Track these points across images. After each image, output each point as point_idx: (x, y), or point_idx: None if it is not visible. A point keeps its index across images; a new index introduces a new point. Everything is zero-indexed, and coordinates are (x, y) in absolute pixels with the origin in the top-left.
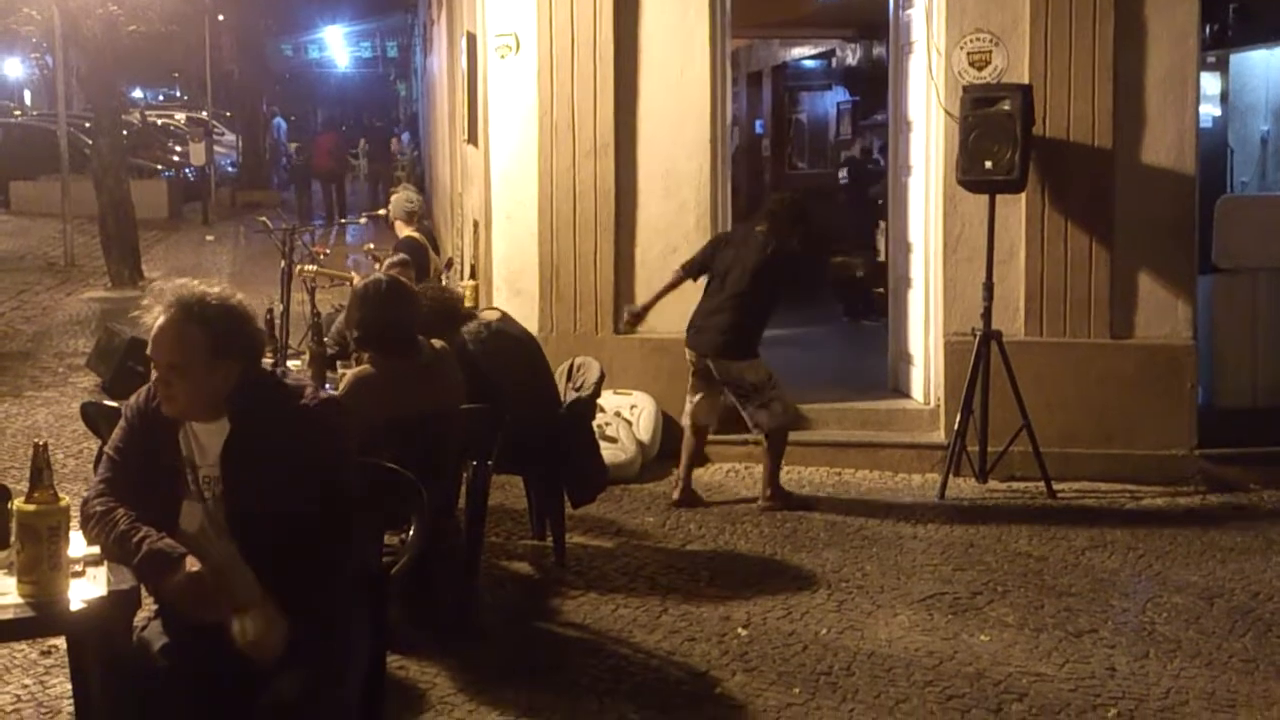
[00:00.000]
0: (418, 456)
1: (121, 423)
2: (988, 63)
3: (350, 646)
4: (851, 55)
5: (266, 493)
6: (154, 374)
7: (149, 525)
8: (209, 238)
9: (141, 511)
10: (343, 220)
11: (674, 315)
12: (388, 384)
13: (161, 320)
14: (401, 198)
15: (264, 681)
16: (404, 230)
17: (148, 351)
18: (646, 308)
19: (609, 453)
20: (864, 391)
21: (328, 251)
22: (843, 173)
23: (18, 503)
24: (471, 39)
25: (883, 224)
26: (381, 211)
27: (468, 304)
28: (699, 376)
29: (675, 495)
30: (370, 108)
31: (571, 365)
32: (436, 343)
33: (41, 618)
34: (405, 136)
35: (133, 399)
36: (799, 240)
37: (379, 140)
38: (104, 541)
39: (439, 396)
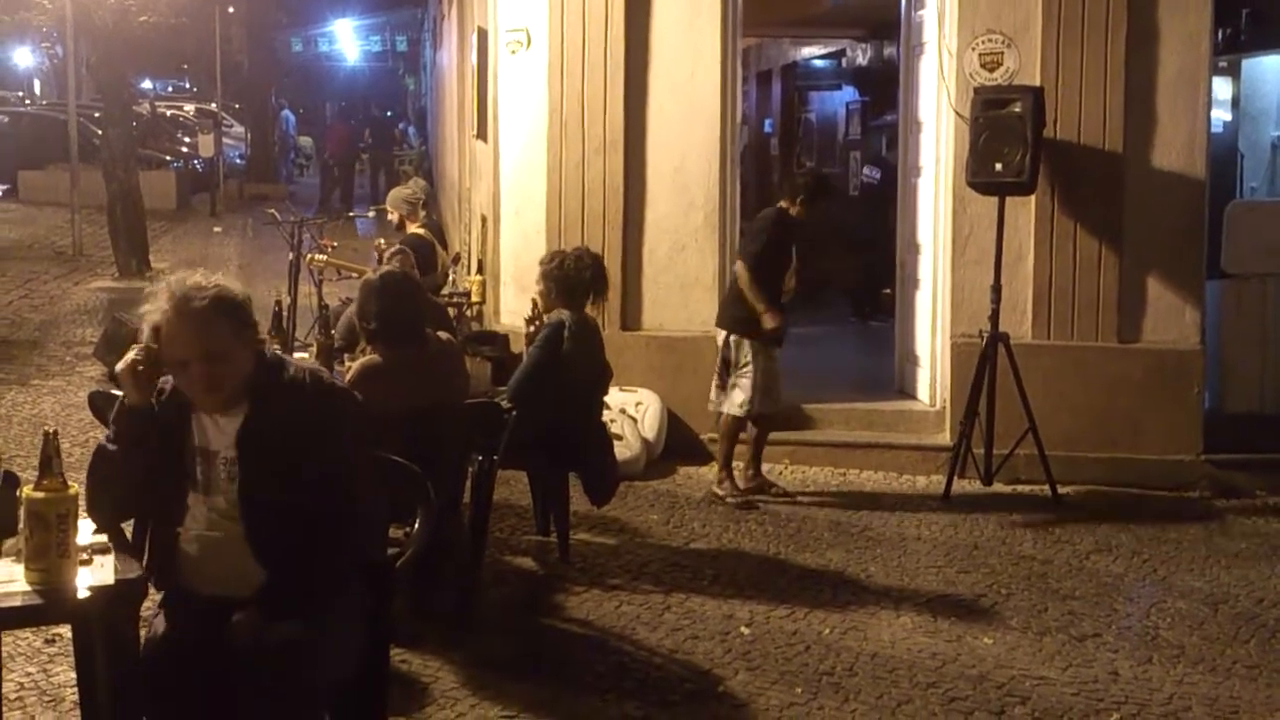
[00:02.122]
0: (423, 448)
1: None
2: (999, 64)
3: (342, 616)
4: (862, 55)
5: (283, 473)
6: (179, 375)
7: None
8: (217, 229)
9: (147, 501)
10: (350, 214)
11: (679, 314)
12: (394, 374)
13: (180, 317)
14: (400, 194)
15: (264, 669)
16: (410, 225)
17: (169, 354)
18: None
19: (615, 450)
20: (870, 392)
21: (335, 245)
22: (871, 170)
23: (27, 490)
24: (483, 34)
25: None
26: (386, 208)
27: (474, 299)
28: None
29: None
30: (379, 101)
31: None
32: (443, 335)
33: (49, 605)
34: (411, 130)
35: None
36: (819, 213)
37: (384, 130)
38: (94, 478)
39: (444, 388)
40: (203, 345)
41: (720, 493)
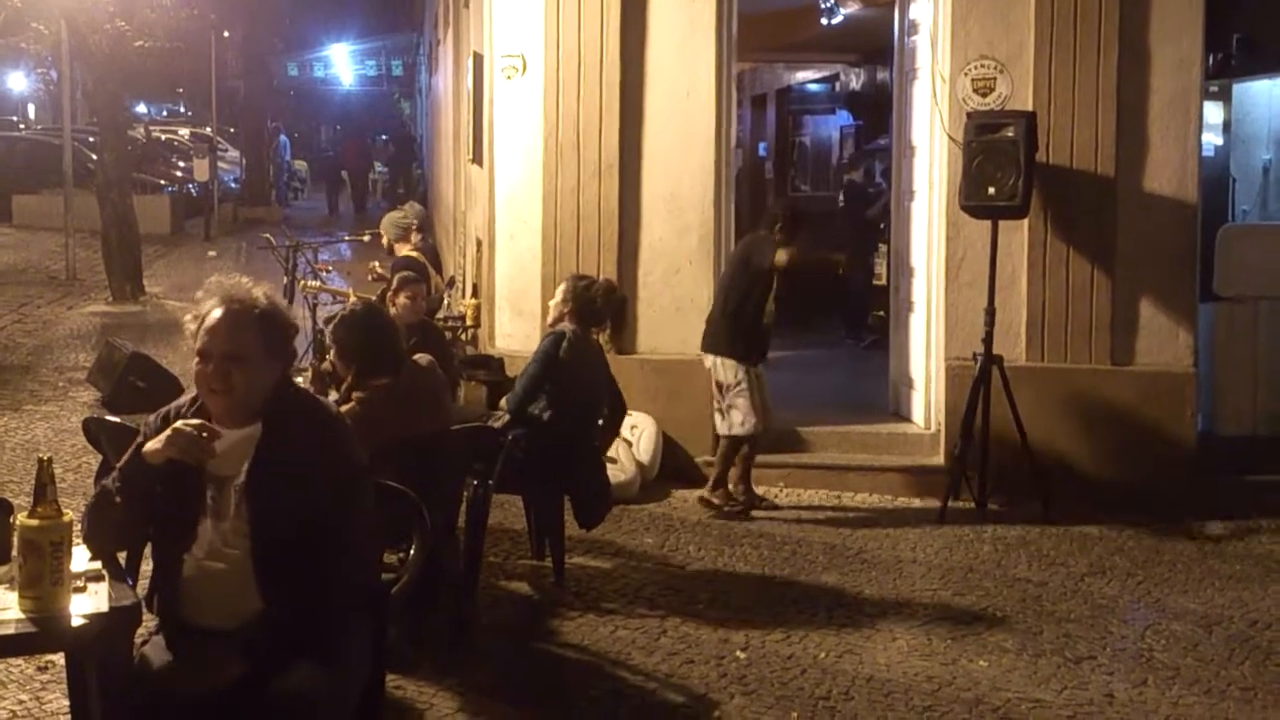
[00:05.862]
0: (416, 473)
1: (139, 439)
2: (992, 89)
3: (352, 655)
4: (855, 80)
5: (292, 499)
6: (199, 367)
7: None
8: (211, 253)
9: (151, 530)
10: (346, 237)
11: (674, 337)
12: (373, 415)
13: (219, 313)
14: (392, 217)
15: (262, 695)
16: (403, 249)
17: (197, 345)
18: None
19: (609, 473)
20: (864, 415)
21: (330, 269)
22: (840, 195)
23: (21, 517)
24: (478, 59)
25: (882, 246)
26: (381, 233)
27: (469, 323)
28: None
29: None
30: (375, 125)
31: None
32: (422, 358)
33: (43, 633)
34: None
35: (151, 418)
36: (799, 242)
37: (404, 144)
38: (93, 515)
39: (430, 414)
40: (228, 343)
41: (717, 501)
